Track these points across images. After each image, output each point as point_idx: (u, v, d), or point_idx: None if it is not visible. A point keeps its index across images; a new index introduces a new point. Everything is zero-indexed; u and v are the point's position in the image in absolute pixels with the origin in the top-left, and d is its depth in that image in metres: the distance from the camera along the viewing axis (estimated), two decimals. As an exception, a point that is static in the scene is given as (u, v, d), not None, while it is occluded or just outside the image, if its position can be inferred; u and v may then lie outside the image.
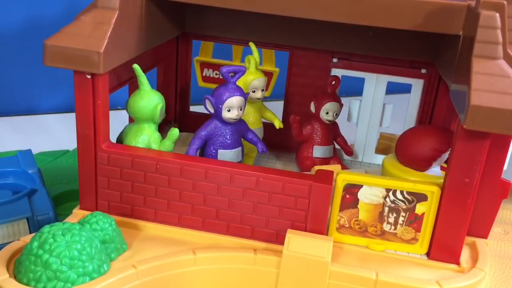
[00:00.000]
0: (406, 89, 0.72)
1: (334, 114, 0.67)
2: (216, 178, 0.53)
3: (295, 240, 0.51)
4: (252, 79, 0.66)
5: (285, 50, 0.73)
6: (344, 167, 0.69)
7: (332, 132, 0.70)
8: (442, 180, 0.53)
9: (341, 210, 0.54)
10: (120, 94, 0.62)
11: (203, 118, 0.62)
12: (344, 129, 0.72)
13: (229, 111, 0.58)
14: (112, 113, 0.55)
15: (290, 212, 0.53)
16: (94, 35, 0.50)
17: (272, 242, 0.54)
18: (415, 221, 0.54)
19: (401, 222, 0.54)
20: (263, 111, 0.71)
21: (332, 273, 0.50)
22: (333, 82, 0.67)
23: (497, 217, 0.58)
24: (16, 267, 0.47)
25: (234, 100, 0.58)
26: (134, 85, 0.60)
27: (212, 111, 0.59)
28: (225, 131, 0.60)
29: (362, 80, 0.72)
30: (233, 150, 0.60)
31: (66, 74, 0.60)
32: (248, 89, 0.66)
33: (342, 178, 0.53)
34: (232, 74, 0.59)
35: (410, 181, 0.54)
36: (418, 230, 0.54)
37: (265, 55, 0.77)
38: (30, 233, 0.59)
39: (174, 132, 0.57)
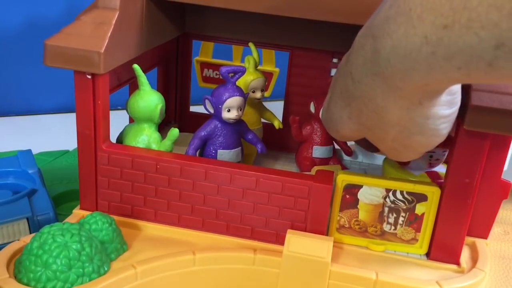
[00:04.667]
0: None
1: (334, 114, 0.67)
2: (216, 178, 0.53)
3: (295, 240, 0.51)
4: (251, 80, 0.66)
5: (285, 50, 0.73)
6: (343, 167, 0.69)
7: (332, 132, 0.70)
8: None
9: (341, 210, 0.54)
10: (120, 94, 0.62)
11: (203, 118, 0.62)
12: (344, 129, 0.72)
13: (228, 111, 0.58)
14: (112, 113, 0.55)
15: (290, 212, 0.53)
16: (95, 35, 0.50)
17: (272, 243, 0.54)
18: (415, 221, 0.54)
19: (401, 222, 0.54)
20: (263, 111, 0.71)
21: (332, 273, 0.50)
22: (333, 83, 0.67)
23: (497, 217, 0.58)
24: (16, 267, 0.47)
25: (234, 100, 0.58)
26: (134, 85, 0.60)
27: (211, 111, 0.59)
28: (225, 131, 0.60)
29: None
30: (233, 150, 0.60)
31: (66, 74, 0.60)
32: (247, 89, 0.66)
33: (342, 178, 0.53)
34: (232, 74, 0.59)
35: (410, 181, 0.54)
36: (418, 230, 0.54)
37: (265, 55, 0.77)
38: (30, 233, 0.58)
39: (174, 132, 0.57)
